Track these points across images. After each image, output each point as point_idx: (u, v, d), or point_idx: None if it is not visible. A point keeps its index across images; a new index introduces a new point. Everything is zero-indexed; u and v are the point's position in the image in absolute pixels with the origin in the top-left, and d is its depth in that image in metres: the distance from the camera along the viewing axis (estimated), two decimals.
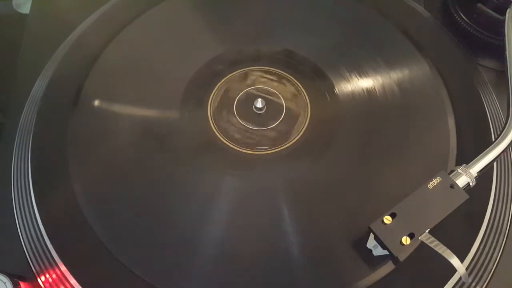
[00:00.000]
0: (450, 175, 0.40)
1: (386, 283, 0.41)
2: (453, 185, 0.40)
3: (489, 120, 0.50)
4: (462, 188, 0.40)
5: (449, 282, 0.42)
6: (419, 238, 0.38)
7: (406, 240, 0.38)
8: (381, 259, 0.42)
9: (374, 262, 0.42)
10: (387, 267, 0.42)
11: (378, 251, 0.41)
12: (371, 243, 0.41)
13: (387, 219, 0.38)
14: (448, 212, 0.39)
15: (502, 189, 0.47)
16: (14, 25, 0.67)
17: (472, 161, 0.41)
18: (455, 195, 0.39)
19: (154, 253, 0.43)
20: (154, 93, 0.53)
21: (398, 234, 0.38)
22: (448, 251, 0.37)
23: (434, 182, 0.40)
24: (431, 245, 0.37)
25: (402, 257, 0.42)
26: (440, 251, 0.37)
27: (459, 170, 0.41)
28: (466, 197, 0.39)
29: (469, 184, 0.40)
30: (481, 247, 0.44)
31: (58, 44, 0.59)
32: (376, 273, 0.41)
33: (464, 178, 0.40)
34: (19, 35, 0.61)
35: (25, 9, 0.68)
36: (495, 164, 0.47)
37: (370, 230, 0.39)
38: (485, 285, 0.44)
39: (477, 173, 0.41)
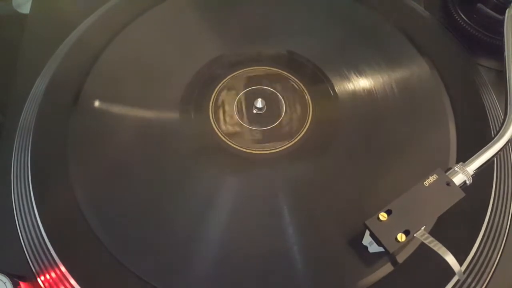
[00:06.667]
0: (447, 173, 0.40)
1: (387, 284, 0.41)
2: (449, 183, 0.40)
3: (489, 120, 0.50)
4: (458, 186, 0.40)
5: (449, 283, 0.42)
6: (415, 235, 0.38)
7: (401, 237, 0.38)
8: (383, 260, 0.42)
9: (375, 262, 0.42)
10: (388, 267, 0.42)
11: (373, 248, 0.41)
12: (366, 240, 0.41)
13: (383, 216, 0.38)
14: (444, 210, 0.39)
15: (502, 189, 0.47)
16: (14, 25, 0.67)
17: (469, 160, 0.41)
18: (451, 193, 0.39)
19: (154, 253, 0.43)
20: (154, 94, 0.53)
21: (393, 231, 0.38)
22: (443, 248, 0.37)
23: (430, 180, 0.40)
24: (427, 242, 0.37)
25: (401, 258, 0.42)
26: (435, 248, 0.37)
27: (456, 168, 0.41)
28: (462, 195, 0.39)
29: (465, 182, 0.40)
30: (481, 247, 0.44)
31: (58, 44, 0.59)
32: (377, 273, 0.41)
33: (461, 176, 0.40)
34: (19, 35, 0.61)
35: (25, 9, 0.68)
36: (495, 163, 0.47)
37: (365, 227, 0.39)
38: (485, 285, 0.44)
39: (474, 171, 0.41)
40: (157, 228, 0.45)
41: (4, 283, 0.40)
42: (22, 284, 0.42)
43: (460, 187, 0.40)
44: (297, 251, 0.43)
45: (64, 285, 0.43)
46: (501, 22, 0.51)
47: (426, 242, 0.37)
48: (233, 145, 0.49)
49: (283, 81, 0.54)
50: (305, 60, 0.55)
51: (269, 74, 0.54)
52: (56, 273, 0.43)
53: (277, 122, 0.51)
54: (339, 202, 0.46)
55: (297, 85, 0.53)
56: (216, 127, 0.51)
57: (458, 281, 0.42)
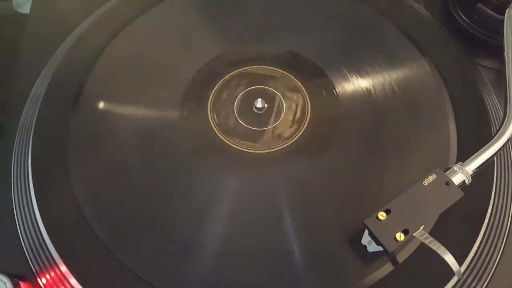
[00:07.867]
0: (446, 173, 0.40)
1: (386, 284, 0.41)
2: (448, 183, 0.40)
3: (489, 120, 0.50)
4: (457, 186, 0.40)
5: (449, 283, 0.42)
6: (414, 234, 0.38)
7: (400, 236, 0.38)
8: (382, 260, 0.42)
9: (374, 262, 0.42)
10: (387, 267, 0.42)
11: (372, 247, 0.41)
12: (365, 239, 0.41)
13: (382, 215, 0.38)
14: (443, 209, 0.39)
15: (502, 189, 0.47)
16: (14, 25, 0.67)
17: (468, 159, 0.41)
18: (450, 193, 0.39)
19: (154, 253, 0.43)
20: (154, 93, 0.53)
21: (392, 230, 0.38)
22: (442, 248, 0.37)
23: (429, 179, 0.40)
24: (426, 242, 0.37)
25: (400, 258, 0.42)
26: (434, 248, 0.37)
27: (455, 168, 0.41)
28: (461, 194, 0.39)
29: (464, 182, 0.40)
30: (481, 247, 0.44)
31: (58, 44, 0.59)
32: (377, 273, 0.41)
33: (460, 175, 0.40)
34: (19, 35, 0.61)
35: (25, 9, 0.68)
36: (495, 163, 0.47)
37: (364, 226, 0.39)
38: (485, 285, 0.44)
39: (473, 171, 0.41)
40: (157, 227, 0.44)
41: (4, 283, 0.40)
42: (22, 284, 0.42)
43: (460, 186, 0.40)
44: (296, 251, 0.43)
45: (64, 285, 0.43)
46: (501, 22, 0.51)
47: (425, 241, 0.37)
48: (232, 144, 0.49)
49: (283, 80, 0.54)
50: (305, 59, 0.55)
51: (269, 73, 0.54)
52: (56, 273, 0.43)
53: (277, 122, 0.51)
54: (338, 201, 0.46)
55: (297, 85, 0.53)
56: (216, 127, 0.51)
57: (458, 281, 0.42)
